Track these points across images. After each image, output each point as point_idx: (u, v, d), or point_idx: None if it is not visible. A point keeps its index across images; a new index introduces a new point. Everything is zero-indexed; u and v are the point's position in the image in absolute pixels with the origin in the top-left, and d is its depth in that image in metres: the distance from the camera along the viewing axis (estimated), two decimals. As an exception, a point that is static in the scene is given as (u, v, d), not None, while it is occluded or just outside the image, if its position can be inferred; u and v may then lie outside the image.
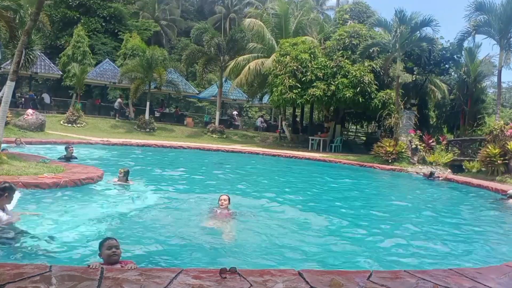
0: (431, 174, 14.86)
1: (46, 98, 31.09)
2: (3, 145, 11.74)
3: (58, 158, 11.46)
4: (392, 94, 21.80)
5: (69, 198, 7.24)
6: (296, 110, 32.86)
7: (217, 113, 30.53)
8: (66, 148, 12.19)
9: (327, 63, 23.00)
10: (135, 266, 3.82)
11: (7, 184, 5.38)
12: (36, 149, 14.25)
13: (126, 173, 8.73)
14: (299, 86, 22.94)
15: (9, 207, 5.45)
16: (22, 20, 11.68)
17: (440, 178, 14.80)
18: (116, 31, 39.76)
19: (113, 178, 8.98)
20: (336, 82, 22.40)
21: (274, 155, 19.81)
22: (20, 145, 14.58)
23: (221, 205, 6.78)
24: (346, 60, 22.65)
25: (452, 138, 24.62)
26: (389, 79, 24.04)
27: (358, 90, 21.92)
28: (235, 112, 39.21)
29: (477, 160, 16.37)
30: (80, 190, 7.86)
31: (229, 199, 6.87)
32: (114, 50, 37.94)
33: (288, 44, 24.00)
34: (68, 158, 11.62)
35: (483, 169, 15.75)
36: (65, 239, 5.13)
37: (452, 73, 29.32)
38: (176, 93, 34.08)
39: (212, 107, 41.53)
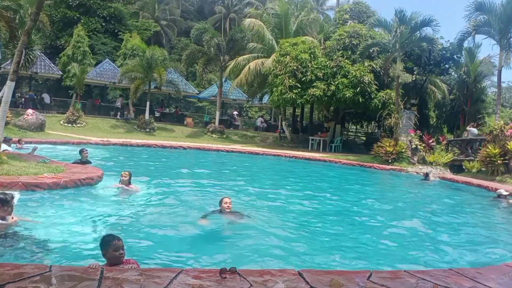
0: (427, 174, 14.89)
1: (46, 98, 31.12)
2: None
3: (73, 163, 10.68)
4: (392, 94, 21.80)
5: (69, 198, 7.23)
6: (296, 110, 32.88)
7: (217, 113, 30.54)
8: (80, 152, 11.24)
9: (327, 63, 23.01)
10: (137, 264, 3.81)
11: (1, 196, 5.17)
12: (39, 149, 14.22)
13: (130, 176, 8.25)
14: (299, 86, 22.95)
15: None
16: (22, 20, 11.68)
17: (432, 178, 14.79)
18: (116, 31, 39.77)
19: (114, 183, 8.47)
20: (336, 82, 22.40)
21: (274, 155, 19.81)
22: (23, 146, 14.51)
23: (227, 208, 6.62)
24: (346, 60, 22.65)
25: (452, 138, 24.63)
26: (389, 79, 24.04)
27: (358, 90, 21.92)
28: (235, 112, 39.15)
29: (477, 160, 16.37)
30: (80, 190, 7.85)
31: (230, 201, 6.75)
32: (114, 50, 37.95)
33: (288, 44, 24.01)
34: (83, 162, 10.77)
35: (483, 169, 15.76)
36: (65, 239, 5.13)
37: (452, 73, 29.35)
38: (176, 93, 34.10)
39: (212, 107, 41.54)
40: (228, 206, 6.62)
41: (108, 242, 3.82)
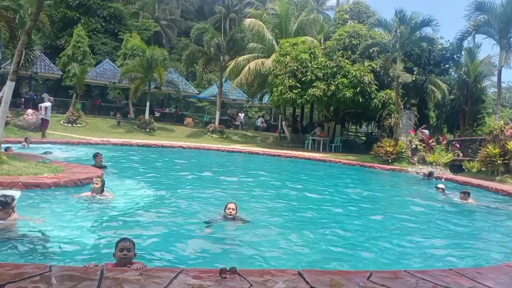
0: (430, 174, 14.84)
1: (46, 98, 31.07)
2: (7, 145, 11.75)
3: None
4: (392, 94, 21.79)
5: (69, 198, 7.23)
6: (296, 110, 32.90)
7: (217, 113, 30.55)
8: (94, 156, 10.54)
9: (327, 63, 23.01)
10: (142, 266, 3.75)
11: (2, 199, 5.15)
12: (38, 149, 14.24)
13: (103, 184, 7.42)
14: (299, 86, 22.95)
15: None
16: (22, 20, 11.68)
17: (442, 179, 14.78)
18: (116, 31, 39.78)
19: (82, 192, 7.49)
20: (336, 82, 22.40)
21: (274, 155, 19.80)
22: (29, 145, 14.55)
23: (229, 214, 6.30)
24: (346, 60, 22.65)
25: (452, 138, 24.63)
26: (389, 79, 24.04)
27: (358, 90, 21.92)
28: (242, 115, 38.46)
29: (477, 160, 16.36)
30: (80, 190, 7.84)
31: (236, 207, 6.41)
32: (114, 50, 37.96)
33: (288, 44, 24.01)
34: (99, 167, 10.03)
35: (483, 169, 15.75)
36: (65, 239, 5.13)
37: (452, 73, 29.38)
38: (176, 93, 34.11)
39: (212, 107, 41.55)
40: (231, 213, 6.28)
41: (117, 243, 3.99)
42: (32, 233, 5.13)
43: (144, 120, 27.82)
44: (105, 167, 10.43)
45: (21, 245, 4.75)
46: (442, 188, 11.55)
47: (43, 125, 19.18)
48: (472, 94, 27.57)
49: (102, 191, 7.35)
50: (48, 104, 19.34)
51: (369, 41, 22.01)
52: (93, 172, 9.15)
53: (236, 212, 6.37)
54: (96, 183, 7.32)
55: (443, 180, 14.72)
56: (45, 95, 31.50)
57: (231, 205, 6.38)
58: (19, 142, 15.24)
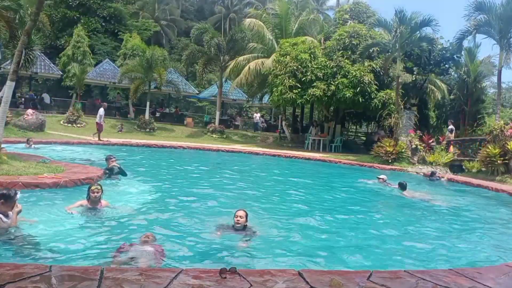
0: (432, 174, 14.83)
1: (46, 98, 31.14)
2: (5, 145, 11.74)
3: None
4: (392, 94, 21.79)
5: (69, 198, 7.22)
6: (296, 110, 32.90)
7: (217, 113, 30.55)
8: (106, 159, 9.88)
9: (327, 63, 23.00)
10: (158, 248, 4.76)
11: (4, 191, 5.19)
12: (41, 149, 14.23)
13: (102, 192, 6.56)
14: (299, 86, 22.95)
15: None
16: (22, 20, 11.69)
17: (443, 179, 14.78)
18: (116, 31, 39.79)
19: (77, 201, 6.63)
20: (336, 82, 22.40)
21: (274, 155, 19.80)
22: (32, 146, 14.55)
23: (237, 222, 5.74)
24: (346, 60, 22.64)
25: (452, 138, 24.59)
26: (389, 79, 24.04)
27: (358, 90, 21.92)
28: (258, 115, 38.00)
29: (477, 160, 16.36)
30: (80, 190, 7.83)
31: (246, 215, 5.85)
32: (114, 50, 37.97)
33: (288, 44, 24.01)
34: (110, 170, 9.51)
35: (483, 169, 15.74)
36: (65, 239, 5.13)
37: (452, 73, 29.36)
38: (176, 93, 34.13)
39: (212, 107, 41.55)
40: (238, 221, 5.74)
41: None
42: (32, 233, 5.13)
43: (144, 120, 27.83)
44: (118, 171, 9.64)
45: (21, 245, 4.76)
46: (384, 179, 12.11)
47: (98, 128, 20.26)
48: (472, 94, 27.56)
49: (100, 199, 6.51)
50: (101, 110, 20.63)
51: (369, 41, 22.01)
52: (93, 172, 9.14)
53: (246, 221, 5.81)
54: (97, 192, 6.39)
55: (443, 180, 14.73)
56: (45, 95, 31.66)
57: (240, 213, 5.82)
58: (19, 142, 15.24)
